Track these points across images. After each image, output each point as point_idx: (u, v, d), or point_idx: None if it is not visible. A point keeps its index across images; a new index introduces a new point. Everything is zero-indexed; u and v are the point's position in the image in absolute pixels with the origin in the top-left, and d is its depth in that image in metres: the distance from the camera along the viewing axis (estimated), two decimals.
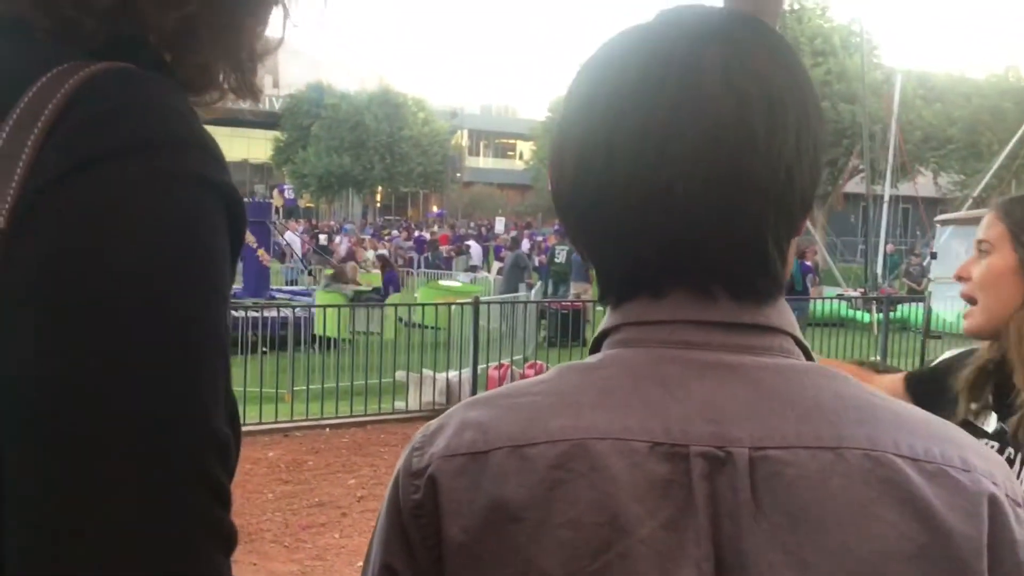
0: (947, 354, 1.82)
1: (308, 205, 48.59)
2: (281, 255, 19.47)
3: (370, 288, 14.45)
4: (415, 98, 46.77)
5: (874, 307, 14.25)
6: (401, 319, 10.25)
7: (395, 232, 33.11)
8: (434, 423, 0.76)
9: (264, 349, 8.85)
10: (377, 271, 17.04)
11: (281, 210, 31.84)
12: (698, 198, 0.69)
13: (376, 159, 44.42)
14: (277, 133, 45.91)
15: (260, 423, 7.74)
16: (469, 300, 9.42)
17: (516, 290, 14.58)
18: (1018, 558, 0.68)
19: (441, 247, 27.78)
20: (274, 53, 0.79)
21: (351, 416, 8.28)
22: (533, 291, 15.13)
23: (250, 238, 14.34)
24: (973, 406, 1.63)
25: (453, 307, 9.56)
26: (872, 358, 10.67)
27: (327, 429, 8.02)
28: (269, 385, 8.29)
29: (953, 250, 16.29)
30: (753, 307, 0.73)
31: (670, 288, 0.73)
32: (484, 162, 58.94)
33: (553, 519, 0.67)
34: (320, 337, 9.23)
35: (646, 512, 0.67)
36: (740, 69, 0.70)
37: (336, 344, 9.23)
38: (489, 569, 0.69)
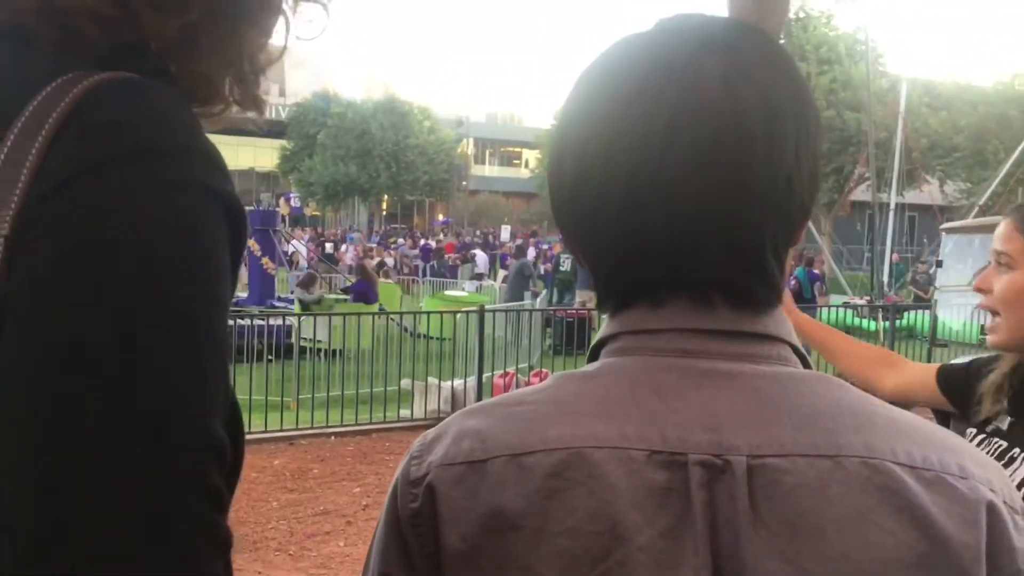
0: (980, 356, 1.86)
1: (314, 213, 48.68)
2: (288, 263, 19.50)
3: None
4: (421, 106, 46.89)
5: (880, 315, 14.22)
6: (407, 329, 10.23)
7: (401, 240, 33.16)
8: (432, 432, 0.76)
9: (270, 357, 8.86)
10: (385, 279, 16.96)
11: (287, 218, 31.93)
12: (697, 206, 0.69)
13: (382, 167, 44.50)
14: (283, 141, 46.05)
15: (265, 431, 7.74)
16: (474, 308, 9.42)
17: (521, 298, 14.59)
18: (1016, 566, 0.68)
19: (447, 255, 27.81)
20: (277, 63, 0.80)
21: (356, 424, 8.28)
22: (539, 299, 15.12)
23: (254, 246, 14.34)
24: (995, 407, 1.70)
25: (458, 315, 9.56)
26: None
27: (332, 437, 8.02)
28: (274, 393, 8.30)
29: (959, 258, 16.27)
30: (751, 316, 0.73)
31: (668, 296, 0.73)
32: (490, 170, 58.96)
33: (551, 527, 0.67)
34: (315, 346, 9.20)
35: (644, 520, 0.67)
36: (740, 77, 0.70)
37: (342, 353, 9.22)
38: None
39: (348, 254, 23.49)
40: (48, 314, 0.55)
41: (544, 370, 9.60)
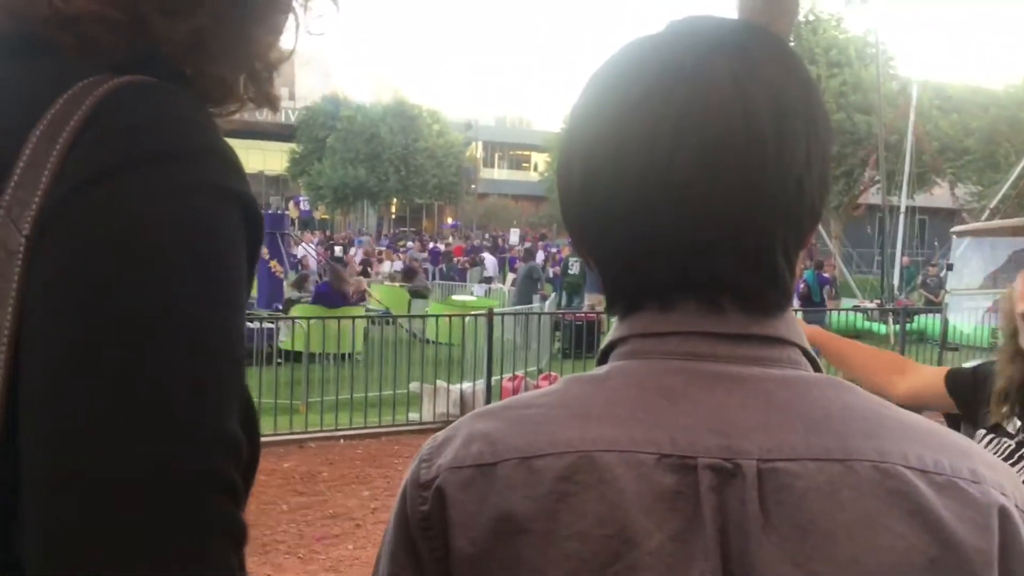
0: (986, 360, 1.91)
1: (323, 217, 48.80)
2: (298, 265, 19.53)
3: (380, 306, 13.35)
4: (430, 110, 46.91)
5: (891, 319, 14.18)
6: (415, 335, 10.22)
7: (410, 243, 33.19)
8: (441, 435, 0.76)
9: (279, 360, 8.87)
10: (393, 284, 16.90)
11: (297, 222, 31.99)
12: (706, 208, 0.69)
13: (391, 171, 44.52)
14: (293, 145, 46.13)
15: (275, 434, 7.75)
16: (483, 312, 9.42)
17: (529, 302, 14.56)
18: None
19: (456, 258, 27.83)
20: (288, 61, 0.81)
21: (365, 427, 8.28)
22: (547, 303, 15.10)
23: (263, 250, 14.33)
24: (1005, 411, 1.75)
25: (467, 319, 9.56)
26: None
27: (341, 440, 8.02)
28: (284, 396, 8.31)
29: (970, 261, 16.20)
30: (762, 319, 0.72)
31: (678, 299, 0.72)
32: (499, 173, 59.00)
33: (561, 531, 0.67)
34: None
35: (654, 524, 0.66)
36: (749, 78, 0.69)
37: (351, 356, 9.22)
38: None
39: (357, 257, 23.51)
40: (62, 314, 0.57)
41: (553, 373, 9.59)
